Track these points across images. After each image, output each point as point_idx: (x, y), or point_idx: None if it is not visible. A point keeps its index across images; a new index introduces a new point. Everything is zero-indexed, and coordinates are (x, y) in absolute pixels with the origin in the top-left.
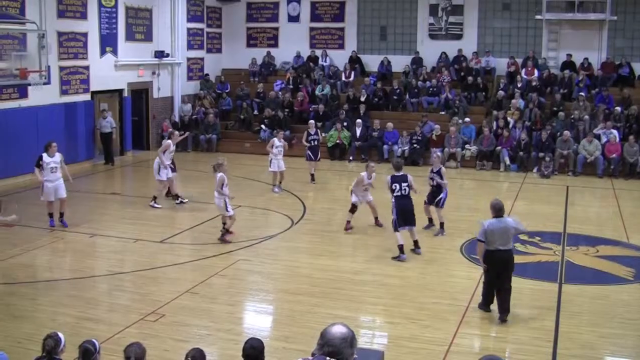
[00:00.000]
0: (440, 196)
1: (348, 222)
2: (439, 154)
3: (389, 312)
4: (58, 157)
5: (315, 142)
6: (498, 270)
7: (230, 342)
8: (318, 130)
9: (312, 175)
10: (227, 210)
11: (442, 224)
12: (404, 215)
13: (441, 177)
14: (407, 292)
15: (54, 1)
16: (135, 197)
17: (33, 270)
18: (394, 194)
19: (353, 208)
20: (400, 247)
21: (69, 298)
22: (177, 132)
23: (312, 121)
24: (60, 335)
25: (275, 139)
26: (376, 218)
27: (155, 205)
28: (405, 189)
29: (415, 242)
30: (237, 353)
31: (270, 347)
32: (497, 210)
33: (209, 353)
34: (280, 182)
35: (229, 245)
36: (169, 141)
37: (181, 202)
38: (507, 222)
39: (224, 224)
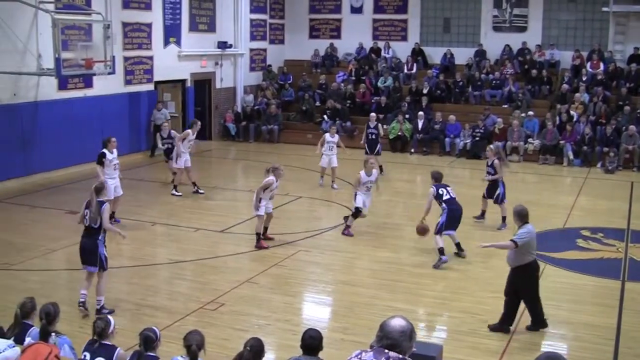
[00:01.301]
0: (497, 192)
1: (348, 227)
2: (491, 146)
3: (448, 306)
4: (115, 152)
5: (374, 136)
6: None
7: (288, 333)
8: (378, 124)
9: (380, 166)
10: (256, 210)
11: (503, 218)
12: (452, 220)
13: (494, 171)
14: (467, 286)
15: None
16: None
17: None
18: (444, 199)
19: (356, 213)
20: (441, 250)
21: (130, 285)
22: (199, 122)
23: (372, 114)
24: (110, 317)
25: (328, 135)
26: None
27: (176, 193)
28: (451, 193)
29: (458, 245)
30: (296, 343)
31: (329, 338)
32: (524, 217)
33: (268, 343)
34: (333, 180)
35: (290, 235)
36: (189, 130)
37: (197, 191)
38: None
39: (259, 234)
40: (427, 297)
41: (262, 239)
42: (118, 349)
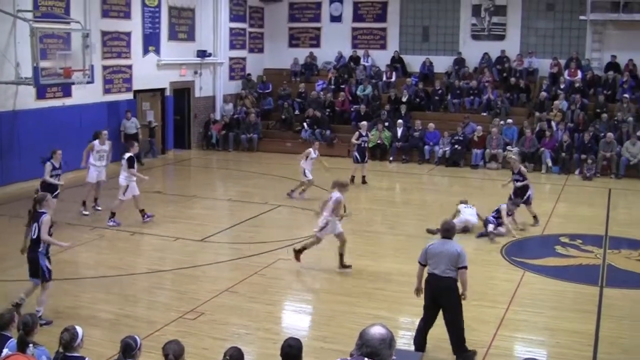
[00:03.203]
0: (528, 194)
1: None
2: (513, 157)
3: None
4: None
5: (365, 144)
6: (435, 298)
7: (268, 342)
8: (367, 132)
9: (363, 177)
10: (321, 230)
11: (535, 217)
12: None
13: (523, 178)
14: None
15: (98, 1)
16: (177, 196)
17: (75, 267)
18: None
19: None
20: None
21: (110, 295)
22: (104, 132)
23: (364, 122)
24: (78, 329)
25: (311, 150)
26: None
27: (84, 212)
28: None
29: None
30: (276, 352)
31: (309, 347)
32: (444, 231)
33: (248, 352)
34: (305, 191)
35: (269, 244)
36: (95, 141)
37: (95, 207)
38: (452, 247)
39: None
40: (407, 305)
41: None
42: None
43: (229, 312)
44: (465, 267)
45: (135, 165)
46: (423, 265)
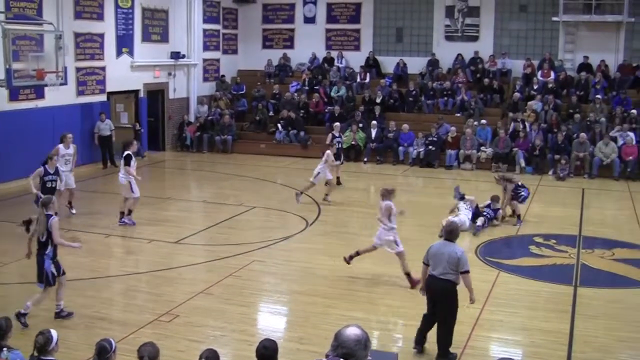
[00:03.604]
0: (522, 194)
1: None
2: (513, 177)
3: (403, 314)
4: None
5: (339, 145)
6: (432, 299)
7: (244, 343)
8: (341, 134)
9: (338, 178)
10: (397, 245)
11: (518, 216)
12: None
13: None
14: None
15: (71, 2)
16: (151, 198)
17: None
18: None
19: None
20: None
21: (85, 298)
22: (69, 135)
23: (337, 124)
24: (53, 332)
25: (330, 152)
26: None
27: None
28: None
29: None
30: (251, 354)
31: (284, 349)
32: (447, 233)
33: (223, 354)
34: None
35: (244, 246)
36: (59, 145)
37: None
38: (452, 250)
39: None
40: (382, 306)
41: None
42: None
43: (204, 314)
44: (467, 272)
45: (133, 163)
46: (427, 265)
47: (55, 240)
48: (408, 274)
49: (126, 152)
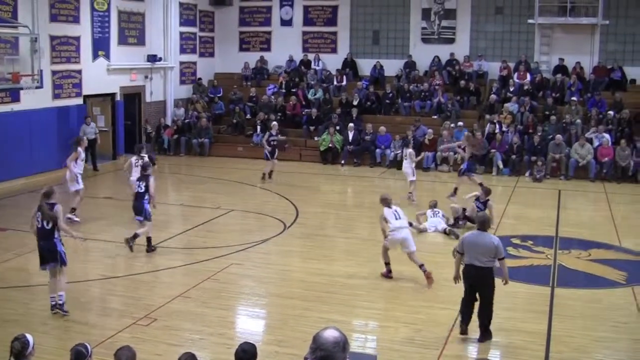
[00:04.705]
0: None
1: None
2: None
3: (382, 316)
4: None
5: (275, 143)
6: (473, 286)
7: (222, 347)
8: (277, 132)
9: (270, 173)
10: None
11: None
12: None
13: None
14: (400, 296)
15: (47, 5)
16: (128, 201)
17: (26, 274)
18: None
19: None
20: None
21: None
22: (85, 138)
23: (274, 123)
24: (29, 337)
25: (412, 151)
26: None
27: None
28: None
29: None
30: (230, 357)
31: (263, 352)
32: (480, 224)
33: (202, 357)
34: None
35: (222, 249)
36: (80, 148)
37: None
38: (489, 239)
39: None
40: (360, 308)
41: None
42: None
43: (182, 317)
44: (504, 258)
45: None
46: (461, 254)
47: (60, 226)
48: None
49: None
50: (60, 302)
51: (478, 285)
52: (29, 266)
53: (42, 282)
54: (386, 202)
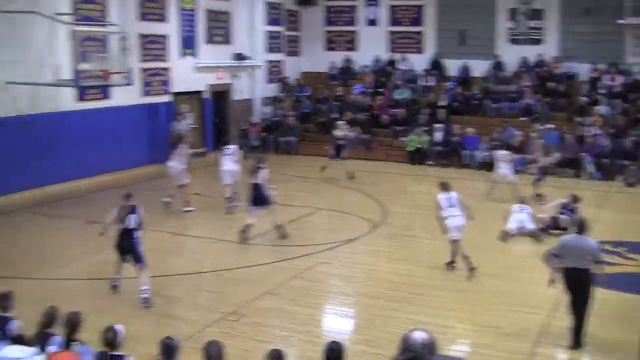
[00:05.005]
0: None
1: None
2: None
3: (468, 319)
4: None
5: (343, 143)
6: (574, 289)
7: (310, 344)
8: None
9: (350, 174)
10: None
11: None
12: None
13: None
14: (487, 299)
15: (136, 4)
16: (217, 198)
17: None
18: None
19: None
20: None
21: (152, 295)
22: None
23: (340, 122)
24: (120, 328)
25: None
26: None
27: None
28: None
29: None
30: (317, 355)
31: (350, 351)
32: (579, 227)
33: (289, 355)
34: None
35: (310, 247)
36: (185, 144)
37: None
38: (588, 243)
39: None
40: (447, 310)
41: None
42: (129, 358)
43: (270, 314)
44: (602, 262)
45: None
46: (558, 257)
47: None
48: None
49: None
50: (145, 295)
51: (577, 288)
52: None
53: (134, 275)
54: (443, 186)
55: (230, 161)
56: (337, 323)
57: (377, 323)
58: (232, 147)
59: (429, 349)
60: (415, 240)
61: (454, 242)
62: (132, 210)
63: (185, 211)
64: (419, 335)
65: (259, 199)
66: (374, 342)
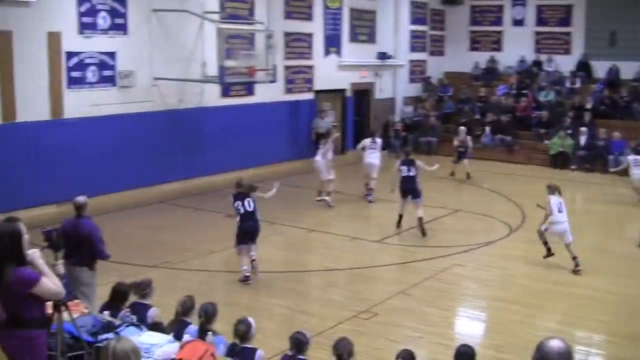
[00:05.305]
0: None
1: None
2: None
3: (608, 330)
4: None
5: (462, 149)
6: None
7: (440, 347)
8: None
9: (467, 174)
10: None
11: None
12: None
13: None
14: (631, 310)
15: (282, 3)
16: (353, 196)
17: None
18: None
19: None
20: None
21: (284, 290)
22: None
23: (462, 127)
24: (252, 320)
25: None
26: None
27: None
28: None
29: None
30: (447, 358)
31: (481, 356)
32: None
33: (419, 356)
34: None
35: (446, 249)
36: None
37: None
38: None
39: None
40: (585, 319)
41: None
42: (259, 351)
43: (402, 314)
44: None
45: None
46: None
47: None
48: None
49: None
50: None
51: None
52: (257, 253)
53: (268, 269)
54: (553, 190)
55: (375, 154)
56: (469, 326)
57: (510, 329)
58: (378, 141)
59: (565, 359)
60: (554, 246)
61: (569, 245)
62: (247, 195)
63: (326, 204)
64: (555, 344)
65: (411, 190)
66: (505, 348)
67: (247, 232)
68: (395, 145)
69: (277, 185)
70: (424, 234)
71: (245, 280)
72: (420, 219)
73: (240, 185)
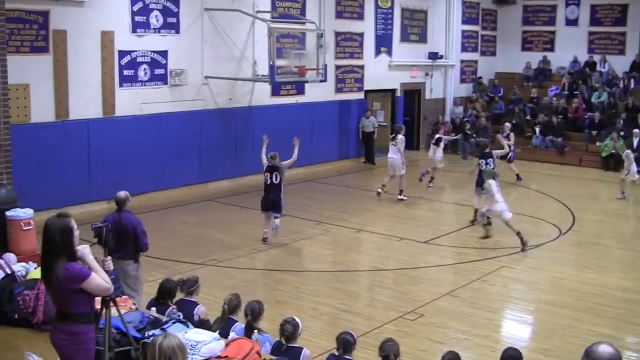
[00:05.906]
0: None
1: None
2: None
3: None
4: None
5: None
6: None
7: (487, 349)
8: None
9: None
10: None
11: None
12: None
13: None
14: None
15: (333, 2)
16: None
17: (300, 259)
18: None
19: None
20: None
21: (331, 289)
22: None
23: (507, 124)
24: (298, 320)
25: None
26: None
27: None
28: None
29: None
30: None
31: (528, 359)
32: None
33: (465, 358)
34: None
35: (494, 251)
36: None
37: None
38: None
39: None
40: (635, 325)
41: None
42: (304, 350)
43: (448, 315)
44: None
45: (441, 144)
46: None
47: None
48: None
49: (437, 136)
50: (275, 227)
51: None
52: (303, 252)
53: (315, 269)
54: (492, 175)
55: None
56: (516, 329)
57: (558, 332)
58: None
59: None
60: (605, 249)
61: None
62: (277, 168)
63: (399, 199)
64: (604, 350)
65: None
66: (553, 352)
67: (268, 202)
68: (464, 146)
69: (298, 144)
70: (488, 224)
71: (264, 241)
72: (482, 213)
73: (274, 158)
